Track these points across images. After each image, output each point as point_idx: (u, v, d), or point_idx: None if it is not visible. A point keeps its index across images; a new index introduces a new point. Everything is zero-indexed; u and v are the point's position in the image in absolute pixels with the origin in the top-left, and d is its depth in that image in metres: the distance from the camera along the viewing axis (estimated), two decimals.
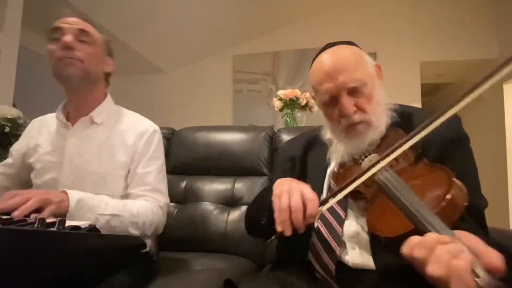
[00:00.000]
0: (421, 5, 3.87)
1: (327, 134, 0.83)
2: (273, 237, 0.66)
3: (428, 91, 5.06)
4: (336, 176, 0.77)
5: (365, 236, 0.68)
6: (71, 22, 0.91)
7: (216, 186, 1.36)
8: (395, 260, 0.59)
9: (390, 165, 0.65)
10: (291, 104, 2.08)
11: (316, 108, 2.15)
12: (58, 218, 0.54)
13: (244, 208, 1.29)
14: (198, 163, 1.41)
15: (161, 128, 1.49)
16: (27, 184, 0.99)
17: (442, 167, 0.61)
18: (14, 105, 2.10)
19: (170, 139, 1.49)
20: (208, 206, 1.32)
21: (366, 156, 0.72)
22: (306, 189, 0.63)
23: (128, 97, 4.42)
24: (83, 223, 0.62)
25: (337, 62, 0.73)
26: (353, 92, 0.72)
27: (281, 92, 2.10)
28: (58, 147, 0.95)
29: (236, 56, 4.30)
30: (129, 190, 0.95)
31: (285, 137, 1.38)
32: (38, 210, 0.69)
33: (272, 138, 1.43)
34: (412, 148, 0.64)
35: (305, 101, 2.08)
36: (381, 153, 0.66)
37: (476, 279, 0.41)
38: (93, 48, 0.92)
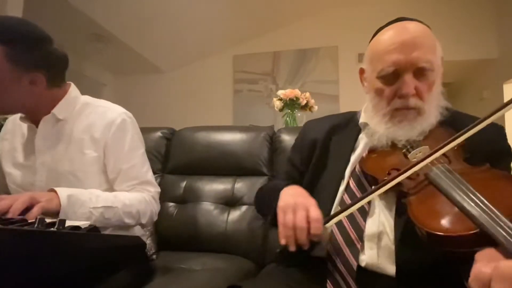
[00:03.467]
0: (421, 5, 3.87)
1: (362, 118, 0.78)
2: (278, 250, 0.63)
3: None
4: (365, 161, 0.72)
5: (388, 236, 0.64)
6: None
7: (216, 186, 1.36)
8: (418, 265, 0.57)
9: (443, 161, 0.62)
10: (291, 104, 2.08)
11: (316, 108, 2.15)
12: (58, 218, 0.54)
13: (244, 208, 1.29)
14: (198, 163, 1.41)
15: (161, 128, 1.50)
16: (5, 188, 0.97)
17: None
18: None
19: (170, 139, 1.49)
20: (208, 206, 1.32)
21: (411, 147, 0.67)
22: (312, 208, 0.61)
23: (128, 97, 4.42)
24: (83, 223, 0.62)
25: (414, 36, 0.67)
26: (419, 74, 0.67)
27: (281, 92, 2.10)
28: (29, 150, 0.91)
29: (236, 56, 4.30)
30: (116, 187, 0.92)
31: (285, 137, 1.38)
32: (28, 210, 0.69)
33: (272, 138, 1.42)
34: (462, 150, 0.61)
35: (305, 101, 2.08)
36: (432, 147, 0.62)
37: None
38: None
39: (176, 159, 1.44)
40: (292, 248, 0.59)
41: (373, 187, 0.64)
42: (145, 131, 1.41)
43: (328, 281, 0.66)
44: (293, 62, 4.14)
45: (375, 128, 0.72)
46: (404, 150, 0.68)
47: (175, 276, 0.95)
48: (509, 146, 0.71)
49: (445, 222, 0.51)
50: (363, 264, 0.64)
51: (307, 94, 2.12)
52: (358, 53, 3.97)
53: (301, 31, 4.11)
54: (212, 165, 1.40)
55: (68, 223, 0.57)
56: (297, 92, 2.08)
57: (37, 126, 0.89)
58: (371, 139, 0.73)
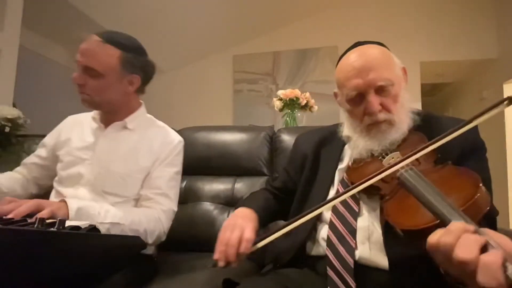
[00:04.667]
0: (421, 5, 3.87)
1: (344, 131, 0.84)
2: (211, 265, 0.69)
3: (428, 91, 5.06)
4: (350, 171, 0.78)
5: (377, 232, 0.69)
6: (80, 56, 0.92)
7: (216, 186, 1.37)
8: (408, 257, 0.61)
9: (412, 164, 0.67)
10: (291, 104, 2.08)
11: (316, 108, 2.15)
12: (58, 218, 0.54)
13: None
14: (198, 163, 1.41)
15: None
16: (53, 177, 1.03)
17: (469, 170, 0.62)
18: (14, 105, 2.10)
19: None
20: (208, 206, 1.32)
21: (386, 154, 0.73)
22: (247, 230, 0.69)
23: None
24: (83, 223, 0.62)
25: (368, 59, 0.75)
26: (380, 91, 0.73)
27: (281, 92, 2.10)
28: (89, 145, 0.99)
29: (236, 56, 4.30)
30: (141, 191, 0.98)
31: (285, 137, 1.39)
32: (32, 215, 0.69)
33: (272, 138, 1.43)
34: (432, 151, 0.66)
35: (305, 101, 2.08)
36: (403, 153, 0.68)
37: (507, 272, 0.39)
38: (98, 80, 0.92)
39: None
40: (221, 264, 0.67)
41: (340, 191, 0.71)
42: None
43: (327, 279, 0.68)
44: (293, 62, 4.14)
45: (356, 142, 0.79)
46: (380, 158, 0.74)
47: (175, 276, 0.95)
48: (481, 141, 0.76)
49: (412, 218, 0.59)
50: (356, 257, 0.67)
51: (307, 94, 2.12)
52: None
53: (301, 31, 4.11)
54: (212, 165, 1.40)
55: (68, 223, 0.57)
56: (297, 92, 2.08)
57: (105, 128, 1.01)
58: (354, 152, 0.80)
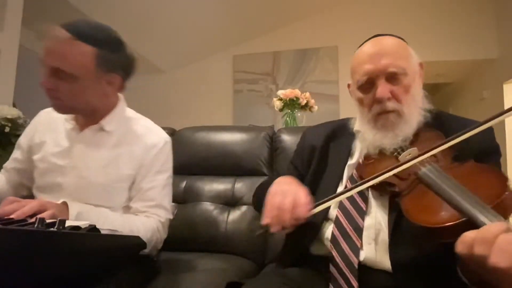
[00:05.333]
0: (422, 5, 3.87)
1: (355, 125, 0.82)
2: (260, 230, 0.65)
3: (428, 91, 5.03)
4: (361, 167, 0.76)
5: (384, 232, 0.67)
6: (47, 56, 0.80)
7: (216, 186, 1.36)
8: (413, 260, 0.60)
9: (431, 161, 0.65)
10: (291, 104, 2.08)
11: (316, 108, 2.15)
12: (58, 218, 0.54)
13: (244, 208, 1.29)
14: (198, 163, 1.41)
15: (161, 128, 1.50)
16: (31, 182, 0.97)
17: (496, 168, 0.60)
18: (14, 105, 2.10)
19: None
20: (208, 206, 1.32)
21: (403, 151, 0.71)
22: (301, 194, 0.64)
23: (128, 97, 4.41)
24: (83, 223, 0.62)
25: (382, 47, 0.74)
26: (392, 78, 0.72)
27: (281, 92, 2.10)
28: (64, 150, 0.90)
29: (236, 56, 4.30)
30: (131, 204, 0.91)
31: (285, 137, 1.39)
32: (34, 216, 0.68)
33: (272, 138, 1.43)
34: (450, 149, 0.64)
35: (305, 101, 2.08)
36: (420, 148, 0.66)
37: None
38: (71, 83, 0.80)
39: (176, 159, 1.42)
40: (274, 228, 0.62)
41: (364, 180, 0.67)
42: None
43: (330, 279, 0.67)
44: (293, 62, 4.14)
45: (364, 136, 0.77)
46: (395, 154, 0.72)
47: (175, 276, 0.95)
48: (497, 144, 0.74)
49: (435, 215, 0.56)
50: (362, 258, 0.66)
51: (307, 94, 2.12)
52: None
53: (301, 31, 4.11)
54: (212, 165, 1.40)
55: (68, 223, 0.57)
56: (297, 92, 2.08)
57: (81, 130, 0.90)
58: (363, 146, 0.78)
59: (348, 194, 0.65)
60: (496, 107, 3.59)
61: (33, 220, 0.56)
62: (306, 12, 4.02)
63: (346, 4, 3.98)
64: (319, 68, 4.03)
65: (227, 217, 1.28)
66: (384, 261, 0.65)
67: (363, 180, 0.65)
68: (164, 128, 1.49)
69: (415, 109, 0.74)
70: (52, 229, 0.52)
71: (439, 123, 0.75)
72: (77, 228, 0.58)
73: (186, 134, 1.48)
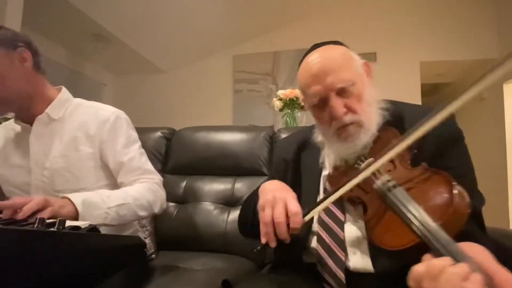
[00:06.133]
0: (421, 5, 3.87)
1: (318, 137, 0.81)
2: (258, 248, 0.65)
3: (428, 91, 5.06)
4: (331, 179, 0.76)
5: (365, 240, 0.67)
6: None
7: (216, 186, 1.36)
8: (395, 264, 0.60)
9: (388, 169, 0.64)
10: (291, 104, 2.08)
11: None
12: (58, 218, 0.54)
13: None
14: (198, 163, 1.41)
15: (161, 128, 1.50)
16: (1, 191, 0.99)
17: (441, 173, 0.59)
18: None
19: (170, 139, 1.49)
20: (208, 206, 1.32)
21: (362, 161, 0.70)
22: (290, 201, 0.63)
23: (128, 97, 4.42)
24: (83, 223, 0.62)
25: (324, 63, 0.72)
26: (342, 92, 0.71)
27: (281, 92, 2.10)
28: (23, 151, 0.93)
29: (236, 56, 4.30)
30: (120, 179, 0.95)
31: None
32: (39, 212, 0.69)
33: (272, 138, 1.43)
34: (407, 148, 0.61)
35: None
36: (376, 157, 0.65)
37: None
38: None
39: (176, 159, 1.44)
40: (273, 244, 0.61)
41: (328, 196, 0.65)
42: (145, 131, 1.41)
43: (323, 282, 0.68)
44: (293, 62, 4.13)
45: (330, 149, 0.76)
46: (356, 165, 0.71)
47: (175, 276, 0.95)
48: (459, 129, 0.72)
49: (392, 237, 0.57)
50: (350, 268, 0.66)
51: None
52: (358, 53, 3.95)
53: (301, 31, 4.11)
54: (212, 165, 1.40)
55: (68, 223, 0.57)
56: (297, 92, 2.08)
57: (31, 126, 0.92)
58: (330, 158, 0.77)
59: (329, 201, 0.64)
60: (496, 107, 3.59)
61: (33, 220, 0.56)
62: (306, 12, 4.02)
63: (346, 4, 3.98)
64: None
65: (227, 217, 1.28)
66: (370, 267, 0.65)
67: (320, 199, 0.64)
68: (164, 128, 1.50)
69: (372, 114, 0.73)
70: (52, 229, 0.52)
71: (399, 119, 0.74)
72: (77, 228, 0.58)
73: (186, 134, 1.48)
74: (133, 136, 1.00)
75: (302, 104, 2.04)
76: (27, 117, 0.93)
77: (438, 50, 3.80)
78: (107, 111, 0.98)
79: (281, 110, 2.12)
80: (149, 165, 1.00)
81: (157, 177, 1.00)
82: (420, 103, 3.93)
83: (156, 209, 0.94)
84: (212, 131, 1.46)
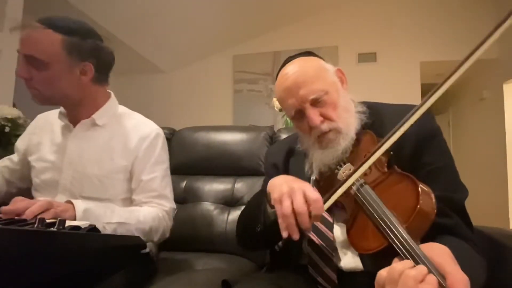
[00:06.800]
0: (421, 5, 3.87)
1: (303, 145, 0.83)
2: (280, 243, 0.65)
3: (428, 91, 5.05)
4: (317, 185, 0.77)
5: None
6: (20, 45, 0.83)
7: (216, 186, 1.36)
8: (381, 263, 0.60)
9: (364, 173, 0.66)
10: None
11: None
12: (58, 218, 0.54)
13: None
14: (198, 163, 1.41)
15: (161, 128, 1.50)
16: (29, 180, 0.99)
17: (409, 176, 0.61)
18: (14, 105, 2.10)
19: (170, 139, 1.49)
20: (208, 206, 1.32)
21: (340, 166, 0.72)
22: (307, 188, 0.62)
23: (128, 97, 4.41)
24: (83, 223, 0.62)
25: (296, 76, 0.74)
26: (316, 103, 0.73)
27: None
28: (59, 148, 0.94)
29: (236, 56, 4.30)
30: (134, 196, 0.94)
31: (285, 137, 1.38)
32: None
33: (272, 138, 1.43)
34: (384, 153, 0.64)
35: None
36: (354, 162, 0.68)
37: None
38: (44, 71, 0.83)
39: (176, 159, 1.44)
40: (296, 236, 0.60)
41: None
42: None
43: (318, 285, 0.69)
44: None
45: (314, 156, 0.77)
46: (336, 171, 0.73)
47: (175, 276, 0.95)
48: (437, 126, 0.74)
49: (364, 241, 0.60)
50: (343, 268, 0.67)
51: None
52: (358, 53, 3.97)
53: (301, 31, 4.11)
54: (212, 165, 1.40)
55: (68, 223, 0.57)
56: None
57: (74, 126, 0.93)
58: (314, 165, 0.77)
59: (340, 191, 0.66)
60: (496, 107, 3.59)
61: (33, 220, 0.56)
62: (306, 12, 4.02)
63: (346, 4, 3.98)
64: None
65: (227, 217, 1.28)
66: (361, 266, 0.67)
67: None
68: (164, 128, 1.49)
69: (349, 119, 0.75)
70: (52, 229, 0.52)
71: (378, 120, 0.76)
72: (77, 228, 0.58)
73: (186, 134, 1.48)
74: (162, 156, 0.99)
75: None
76: (73, 117, 0.94)
77: (438, 50, 3.80)
78: (149, 126, 0.99)
79: (281, 110, 2.12)
80: (167, 191, 0.98)
81: (169, 205, 0.97)
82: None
83: (156, 238, 0.91)
84: (212, 131, 1.46)
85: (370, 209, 0.60)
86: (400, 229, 0.54)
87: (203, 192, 1.35)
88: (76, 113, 0.94)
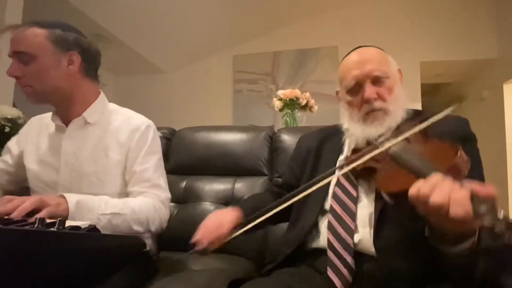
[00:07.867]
0: (421, 5, 3.87)
1: (344, 125, 0.88)
2: (190, 251, 0.78)
3: (428, 91, 5.06)
4: (348, 160, 0.79)
5: (373, 216, 0.72)
6: (10, 45, 0.87)
7: (216, 186, 1.36)
8: (396, 244, 0.67)
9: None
10: (291, 104, 2.08)
11: (316, 108, 2.15)
12: (58, 218, 0.54)
13: None
14: (198, 163, 1.41)
15: (161, 128, 1.50)
16: (24, 183, 0.99)
17: (450, 141, 0.65)
18: (14, 105, 2.10)
19: (170, 139, 1.49)
20: (208, 206, 1.32)
21: (383, 140, 0.76)
22: (226, 217, 0.81)
23: (128, 97, 4.42)
24: (83, 223, 0.62)
25: (366, 55, 0.83)
26: (377, 81, 0.80)
27: (281, 92, 2.10)
28: (55, 149, 0.95)
29: (236, 56, 4.30)
30: (129, 188, 0.95)
31: (285, 137, 1.38)
32: (35, 212, 0.69)
33: (272, 138, 1.43)
34: (424, 135, 0.69)
35: (305, 101, 2.08)
36: (396, 136, 0.73)
37: (475, 205, 0.47)
38: (32, 64, 0.85)
39: (176, 159, 1.44)
40: (200, 246, 0.76)
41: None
42: None
43: (328, 268, 0.71)
44: (293, 62, 4.14)
45: (353, 131, 0.83)
46: (377, 143, 0.77)
47: (175, 276, 0.95)
48: (473, 133, 0.82)
49: (397, 183, 0.63)
50: (356, 240, 0.72)
51: (307, 94, 2.12)
52: None
53: (301, 31, 4.11)
54: (212, 165, 1.40)
55: (68, 223, 0.57)
56: (297, 92, 2.08)
57: (66, 126, 0.95)
58: (351, 140, 0.85)
59: (291, 200, 0.72)
60: (496, 107, 3.59)
61: (33, 220, 0.56)
62: (306, 12, 4.02)
63: (346, 4, 3.98)
64: (319, 68, 4.03)
65: None
66: (371, 245, 0.70)
67: (342, 163, 0.73)
68: (164, 128, 1.50)
69: (399, 107, 0.81)
70: (52, 229, 0.52)
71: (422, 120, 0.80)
72: (77, 228, 0.58)
73: (186, 134, 1.48)
74: (154, 147, 1.00)
75: (311, 101, 2.09)
76: (65, 117, 0.95)
77: (438, 50, 3.80)
78: (139, 119, 1.01)
79: (281, 110, 2.12)
80: (162, 180, 0.99)
81: (164, 195, 0.98)
82: (420, 103, 3.93)
83: (153, 227, 0.92)
84: (212, 131, 1.46)
85: (406, 157, 0.63)
86: (436, 168, 0.56)
87: (203, 192, 1.35)
88: (68, 112, 0.94)
